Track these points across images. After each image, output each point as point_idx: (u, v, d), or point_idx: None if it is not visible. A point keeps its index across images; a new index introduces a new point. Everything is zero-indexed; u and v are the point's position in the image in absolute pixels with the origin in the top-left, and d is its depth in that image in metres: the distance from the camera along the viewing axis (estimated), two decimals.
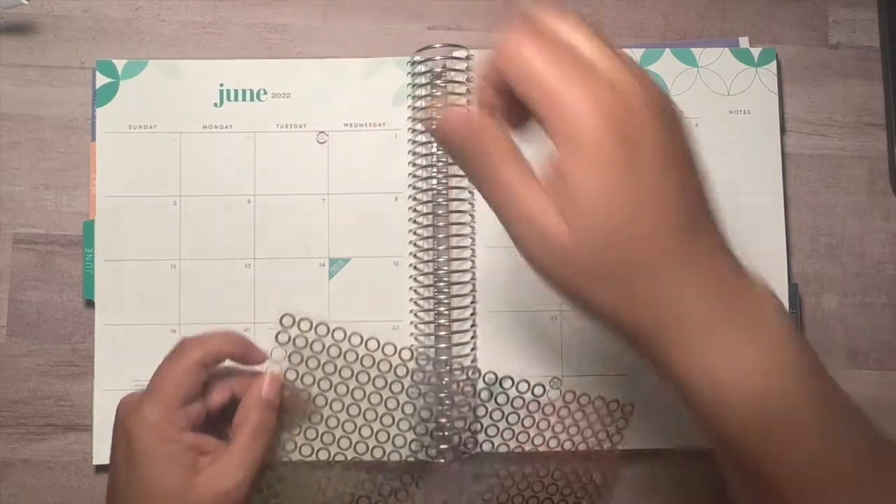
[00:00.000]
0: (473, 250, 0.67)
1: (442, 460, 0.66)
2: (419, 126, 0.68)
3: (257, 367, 0.61)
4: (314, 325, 0.62)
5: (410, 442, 0.65)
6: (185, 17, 0.71)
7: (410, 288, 0.67)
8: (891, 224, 0.69)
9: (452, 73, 0.68)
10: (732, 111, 0.69)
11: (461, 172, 0.66)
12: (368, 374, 0.64)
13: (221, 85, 0.69)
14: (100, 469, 0.67)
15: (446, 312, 0.66)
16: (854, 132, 0.70)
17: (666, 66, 0.69)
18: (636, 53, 0.69)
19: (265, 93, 0.69)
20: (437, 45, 0.69)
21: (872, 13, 0.71)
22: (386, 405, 0.64)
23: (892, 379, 0.68)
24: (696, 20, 0.72)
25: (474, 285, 0.67)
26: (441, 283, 0.66)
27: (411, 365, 0.64)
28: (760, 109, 0.69)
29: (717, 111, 0.69)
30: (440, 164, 0.67)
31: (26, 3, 0.68)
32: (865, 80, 0.71)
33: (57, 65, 0.70)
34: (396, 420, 0.65)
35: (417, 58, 0.68)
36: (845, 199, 0.70)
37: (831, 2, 0.72)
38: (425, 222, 0.67)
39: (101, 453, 0.66)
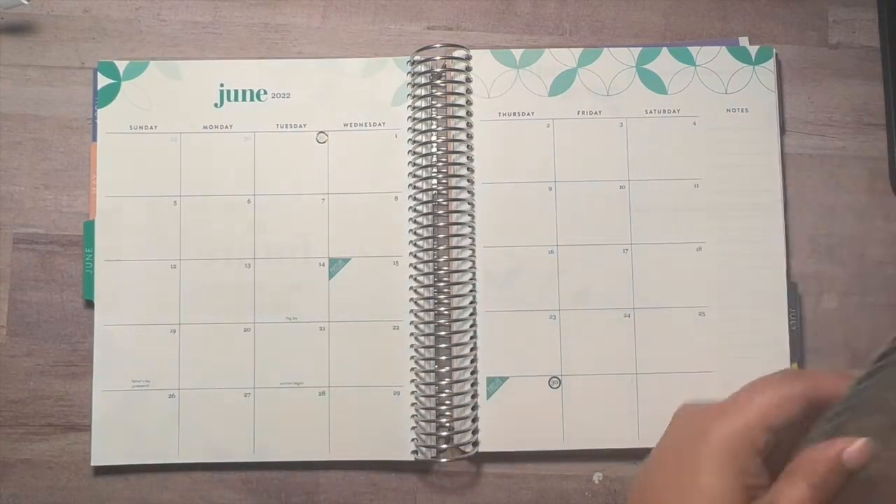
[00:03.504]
0: (473, 250, 0.67)
1: (443, 460, 0.66)
2: (419, 126, 0.68)
3: None
4: None
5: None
6: (185, 17, 0.71)
7: (410, 288, 0.67)
8: (891, 224, 0.69)
9: (452, 72, 0.68)
10: (730, 109, 0.69)
11: (461, 172, 0.67)
12: None
13: (221, 85, 0.69)
14: (99, 470, 0.67)
15: (446, 312, 0.66)
16: (854, 132, 0.70)
17: (663, 65, 0.69)
18: (633, 53, 0.69)
19: (265, 93, 0.69)
20: (437, 45, 0.69)
21: (872, 13, 0.71)
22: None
23: None
24: (696, 20, 0.72)
25: (474, 285, 0.67)
26: (441, 283, 0.66)
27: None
28: (758, 108, 0.69)
29: (715, 109, 0.69)
30: (440, 164, 0.67)
31: (26, 3, 0.68)
32: (865, 80, 0.71)
33: (57, 65, 0.70)
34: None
35: (417, 57, 0.68)
36: (845, 199, 0.70)
37: (831, 2, 0.72)
38: (425, 222, 0.67)
39: (100, 454, 0.66)
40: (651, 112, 0.69)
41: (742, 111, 0.69)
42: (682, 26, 0.72)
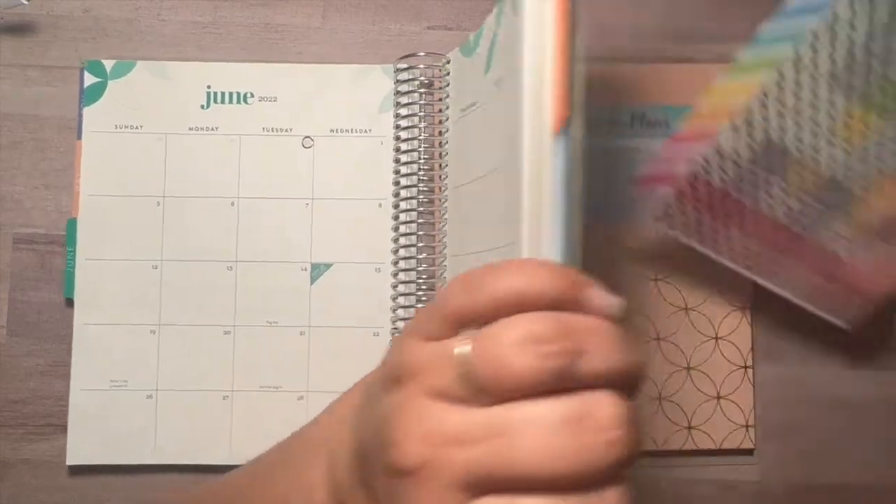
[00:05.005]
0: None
1: None
2: (401, 133, 0.67)
3: None
4: None
5: None
6: (185, 17, 0.71)
7: (391, 296, 0.66)
8: None
9: (437, 80, 0.67)
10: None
11: (436, 179, 0.65)
12: None
13: (209, 87, 0.69)
14: (73, 470, 0.67)
15: None
16: None
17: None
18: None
19: (252, 96, 0.69)
20: (421, 54, 0.68)
21: None
22: None
23: (893, 379, 0.67)
24: (697, 20, 0.71)
25: None
26: (421, 291, 0.65)
27: None
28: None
29: None
30: (421, 172, 0.66)
31: (26, 3, 0.69)
32: None
33: (57, 65, 0.71)
34: None
35: (402, 65, 0.68)
36: None
37: None
38: (407, 230, 0.66)
39: (76, 454, 0.66)
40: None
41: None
42: (682, 26, 0.71)
